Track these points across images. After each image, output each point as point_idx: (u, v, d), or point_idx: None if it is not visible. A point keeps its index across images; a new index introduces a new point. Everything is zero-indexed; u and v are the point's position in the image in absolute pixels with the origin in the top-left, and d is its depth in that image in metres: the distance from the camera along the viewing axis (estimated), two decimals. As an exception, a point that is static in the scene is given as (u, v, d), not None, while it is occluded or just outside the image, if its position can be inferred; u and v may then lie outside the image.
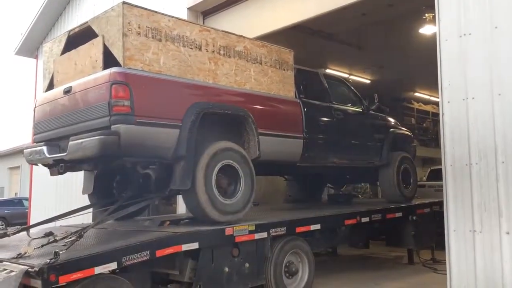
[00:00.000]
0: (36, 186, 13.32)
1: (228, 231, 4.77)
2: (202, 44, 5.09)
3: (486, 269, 4.76)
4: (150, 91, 4.53)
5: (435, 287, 6.23)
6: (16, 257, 3.71)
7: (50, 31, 13.30)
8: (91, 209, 5.73)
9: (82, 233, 4.13)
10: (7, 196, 27.49)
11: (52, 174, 5.12)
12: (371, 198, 13.24)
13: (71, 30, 5.21)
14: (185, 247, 4.39)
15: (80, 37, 4.94)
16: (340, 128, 6.90)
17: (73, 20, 12.16)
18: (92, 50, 4.70)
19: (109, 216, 4.95)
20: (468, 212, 4.94)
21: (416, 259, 7.92)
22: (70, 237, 4.04)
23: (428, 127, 20.49)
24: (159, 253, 4.17)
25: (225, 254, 4.79)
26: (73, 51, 4.98)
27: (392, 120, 8.38)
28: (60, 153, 4.83)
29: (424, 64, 8.83)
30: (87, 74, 4.68)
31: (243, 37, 5.63)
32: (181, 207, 7.98)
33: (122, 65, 4.41)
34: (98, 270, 3.69)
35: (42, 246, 3.97)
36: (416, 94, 19.22)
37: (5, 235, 4.70)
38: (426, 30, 11.27)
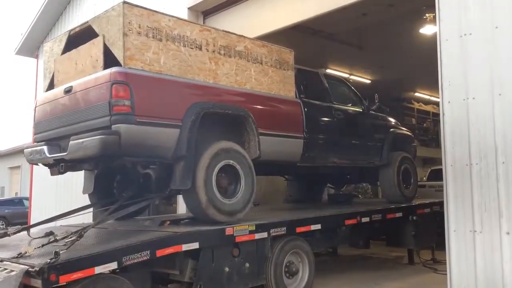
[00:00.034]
0: (36, 185, 13.32)
1: (229, 231, 4.77)
2: (203, 44, 5.09)
3: (487, 270, 4.76)
4: (150, 91, 4.53)
5: (435, 287, 6.23)
6: (17, 257, 3.71)
7: (51, 31, 13.30)
8: (91, 209, 5.73)
9: (83, 232, 4.13)
10: (7, 196, 27.51)
11: (52, 173, 5.13)
12: (371, 198, 13.23)
13: (71, 30, 5.21)
14: (186, 247, 4.38)
15: (81, 36, 4.95)
16: (341, 128, 6.91)
17: (74, 20, 12.16)
18: (92, 50, 4.70)
19: (109, 216, 4.95)
20: (469, 212, 4.94)
21: (416, 259, 7.92)
22: (71, 237, 4.03)
23: (428, 127, 20.47)
24: (160, 253, 4.17)
25: (225, 254, 4.78)
26: (73, 50, 4.98)
27: (392, 120, 8.37)
28: (60, 152, 4.83)
29: (424, 64, 8.83)
30: (87, 74, 4.68)
31: (244, 37, 5.62)
32: (181, 207, 7.98)
33: (122, 64, 4.41)
34: (98, 269, 3.68)
35: (43, 245, 3.96)
36: (417, 94, 19.21)
37: (5, 234, 4.69)
38: (426, 30, 11.25)
